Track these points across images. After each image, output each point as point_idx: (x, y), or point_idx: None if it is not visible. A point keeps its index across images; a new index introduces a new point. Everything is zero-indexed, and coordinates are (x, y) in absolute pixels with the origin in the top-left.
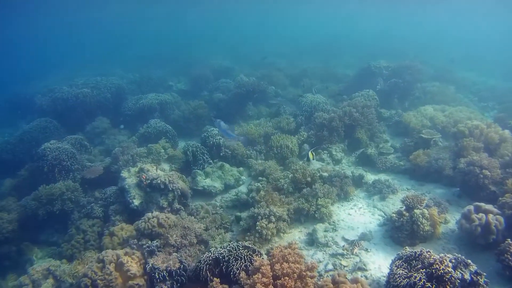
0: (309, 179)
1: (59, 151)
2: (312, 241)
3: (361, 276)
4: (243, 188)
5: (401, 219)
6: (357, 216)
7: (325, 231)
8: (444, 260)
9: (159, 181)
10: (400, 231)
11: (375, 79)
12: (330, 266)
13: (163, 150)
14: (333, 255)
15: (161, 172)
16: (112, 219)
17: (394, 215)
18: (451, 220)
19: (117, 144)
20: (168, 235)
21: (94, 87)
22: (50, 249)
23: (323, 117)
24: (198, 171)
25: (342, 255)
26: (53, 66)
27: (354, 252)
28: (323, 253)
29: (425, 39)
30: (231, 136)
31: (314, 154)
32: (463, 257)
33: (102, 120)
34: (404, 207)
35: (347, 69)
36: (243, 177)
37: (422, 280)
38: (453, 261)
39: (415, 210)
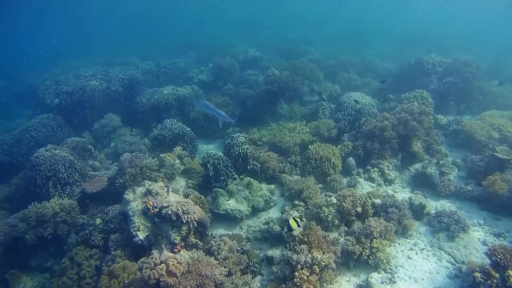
0: (359, 209)
1: (54, 159)
2: None
3: None
4: (274, 212)
5: (488, 281)
6: (419, 261)
7: (382, 282)
8: None
9: (169, 212)
10: None
11: (426, 77)
12: None
13: (178, 161)
14: None
15: (173, 197)
16: (112, 253)
17: (478, 274)
18: None
19: (127, 146)
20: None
21: (104, 79)
22: (43, 276)
23: (374, 124)
24: (220, 190)
25: None
26: (68, 54)
27: None
28: None
29: (467, 30)
30: (223, 117)
31: (298, 221)
32: None
33: (111, 118)
34: (490, 263)
35: (385, 62)
36: (274, 197)
37: None
38: None
39: (509, 271)
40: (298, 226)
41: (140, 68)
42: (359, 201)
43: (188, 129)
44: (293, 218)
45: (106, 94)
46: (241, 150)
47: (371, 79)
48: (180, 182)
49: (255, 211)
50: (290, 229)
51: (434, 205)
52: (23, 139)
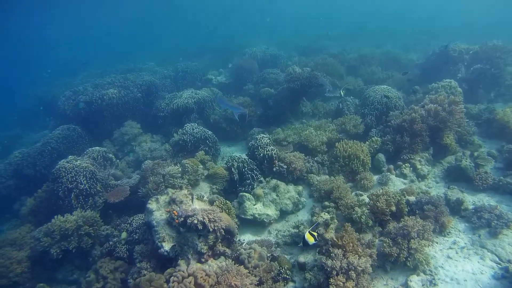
0: (393, 208)
1: (75, 171)
2: None
3: None
4: (303, 214)
5: None
6: (460, 261)
7: (423, 285)
8: None
9: (195, 221)
10: None
11: (453, 65)
12: None
13: (201, 166)
14: None
15: (198, 204)
16: (137, 266)
17: None
18: None
19: (148, 153)
20: None
21: (122, 86)
22: None
23: (402, 118)
24: (246, 194)
25: None
26: (84, 62)
27: None
28: None
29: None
30: (236, 109)
31: (315, 235)
32: None
33: (131, 125)
34: None
35: (408, 53)
36: (302, 199)
37: None
38: None
39: None
40: (316, 240)
41: (157, 73)
42: (393, 200)
43: (210, 132)
44: (309, 232)
45: (124, 101)
46: (266, 151)
47: (394, 71)
48: (204, 188)
49: (283, 214)
50: (306, 243)
51: (471, 200)
52: (45, 151)
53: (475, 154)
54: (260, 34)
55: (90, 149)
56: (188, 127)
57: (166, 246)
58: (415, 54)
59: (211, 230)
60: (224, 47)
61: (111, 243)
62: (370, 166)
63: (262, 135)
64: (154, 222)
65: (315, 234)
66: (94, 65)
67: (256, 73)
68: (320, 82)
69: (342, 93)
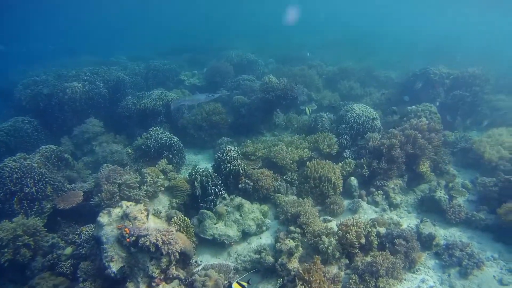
0: (363, 240)
1: (22, 172)
2: None
3: None
4: (267, 237)
5: None
6: None
7: None
8: None
9: (147, 242)
10: None
11: (432, 89)
12: None
13: (162, 177)
14: None
15: (153, 222)
16: (80, 286)
17: None
18: None
19: (109, 155)
20: None
21: (87, 80)
22: None
23: (381, 142)
24: (207, 212)
25: None
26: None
27: None
28: None
29: (474, 39)
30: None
31: (245, 284)
32: None
33: (93, 123)
34: None
35: (388, 70)
36: (267, 221)
37: None
38: None
39: None
40: None
41: (128, 69)
42: (363, 232)
43: (176, 139)
44: (237, 282)
45: (88, 97)
46: (233, 166)
47: (372, 89)
48: (164, 201)
49: (245, 236)
50: None
51: (443, 234)
52: None
53: (450, 185)
54: (243, 38)
55: (43, 147)
56: (152, 131)
57: (114, 267)
58: (394, 72)
59: (164, 253)
60: (203, 47)
61: (54, 255)
62: (341, 190)
63: (230, 147)
64: (103, 238)
65: (245, 284)
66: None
67: (231, 77)
68: (295, 95)
69: (308, 111)
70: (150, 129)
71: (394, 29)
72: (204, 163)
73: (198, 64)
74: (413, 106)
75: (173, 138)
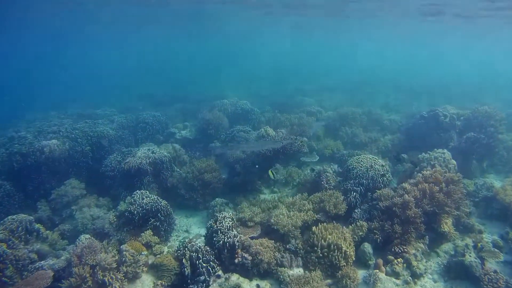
0: None
1: None
2: None
3: None
4: None
5: None
6: None
7: None
8: None
9: None
10: None
11: (444, 132)
12: None
13: (145, 252)
14: None
15: None
16: None
17: None
18: None
19: (89, 222)
20: None
21: (68, 137)
22: None
23: (393, 201)
24: None
25: None
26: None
27: None
28: None
29: (476, 78)
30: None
31: None
32: None
33: (73, 185)
34: None
35: (390, 113)
36: None
37: None
38: None
39: None
40: None
41: (115, 122)
42: None
43: (163, 203)
44: None
45: (69, 155)
46: (227, 238)
47: (376, 133)
48: (147, 283)
49: None
50: None
51: None
52: None
53: (479, 245)
54: (237, 86)
55: (9, 218)
56: (137, 196)
57: None
58: (396, 115)
59: None
60: (196, 97)
61: None
62: (354, 258)
63: (224, 214)
64: None
65: None
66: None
67: (225, 128)
68: (295, 149)
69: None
70: (134, 193)
71: (388, 74)
72: (196, 228)
73: (189, 115)
74: (425, 154)
75: (160, 202)
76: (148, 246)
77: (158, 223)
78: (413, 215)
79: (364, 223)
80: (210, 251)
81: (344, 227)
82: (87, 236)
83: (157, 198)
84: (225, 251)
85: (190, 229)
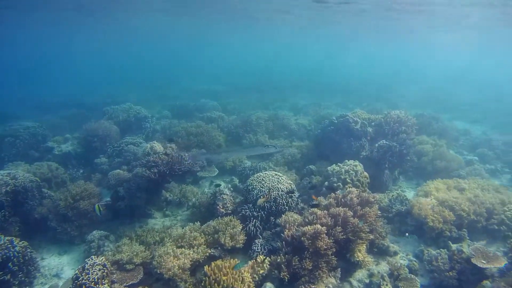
0: None
1: None
2: None
3: None
4: None
5: None
6: None
7: None
8: None
9: None
10: None
11: (355, 140)
12: None
13: None
14: None
15: None
16: None
17: None
18: None
19: None
20: None
21: None
22: None
23: (302, 230)
24: None
25: None
26: None
27: None
28: None
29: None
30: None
31: None
32: None
33: None
34: None
35: (298, 116)
36: None
37: None
38: None
39: None
40: None
41: None
42: None
43: (16, 248)
44: None
45: None
46: None
47: (283, 140)
48: None
49: None
50: None
51: None
52: None
53: (395, 273)
54: (137, 89)
55: None
56: None
57: None
58: (305, 118)
59: None
60: (88, 102)
61: None
62: None
63: (94, 261)
64: None
65: None
66: None
67: (115, 140)
68: (186, 169)
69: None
70: None
71: (308, 74)
72: (70, 269)
73: (79, 122)
74: (335, 166)
75: (12, 248)
76: None
77: (8, 276)
78: (325, 246)
79: (266, 258)
80: None
81: (242, 264)
82: None
83: (6, 242)
84: None
85: (62, 272)
